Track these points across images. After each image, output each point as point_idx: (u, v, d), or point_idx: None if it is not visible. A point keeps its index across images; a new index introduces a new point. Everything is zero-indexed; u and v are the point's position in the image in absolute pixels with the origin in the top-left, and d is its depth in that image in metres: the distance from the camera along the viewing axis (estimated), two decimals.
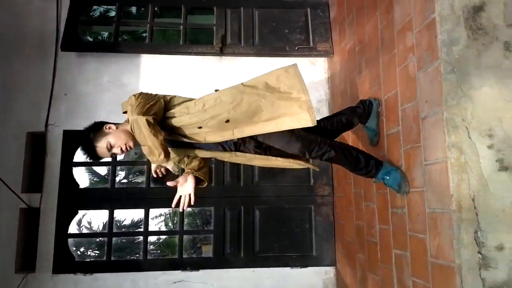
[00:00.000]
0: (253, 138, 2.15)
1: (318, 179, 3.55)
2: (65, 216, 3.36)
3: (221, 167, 3.51)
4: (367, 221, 2.69)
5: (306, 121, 2.03)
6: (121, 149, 2.06)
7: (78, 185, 3.54)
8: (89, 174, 13.31)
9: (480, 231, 1.67)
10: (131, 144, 2.09)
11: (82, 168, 13.35)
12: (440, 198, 1.78)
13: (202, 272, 3.33)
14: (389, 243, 2.33)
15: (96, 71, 3.57)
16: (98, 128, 2.10)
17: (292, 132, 2.10)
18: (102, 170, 13.84)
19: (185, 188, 2.11)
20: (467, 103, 1.76)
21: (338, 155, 2.16)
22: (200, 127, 2.06)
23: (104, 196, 3.60)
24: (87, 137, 2.08)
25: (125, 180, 11.44)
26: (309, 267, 3.39)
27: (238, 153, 2.17)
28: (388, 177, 2.16)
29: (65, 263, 3.29)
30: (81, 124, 3.37)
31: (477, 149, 1.72)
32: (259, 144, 2.18)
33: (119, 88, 3.54)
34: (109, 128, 2.09)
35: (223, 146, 2.18)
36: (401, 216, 2.17)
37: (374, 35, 2.58)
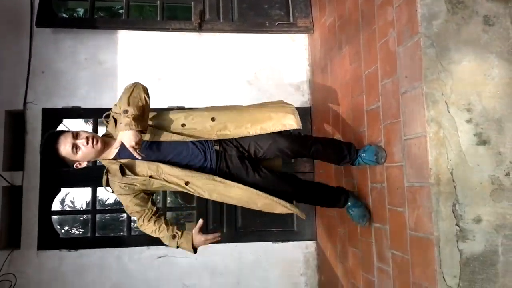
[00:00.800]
0: (236, 145, 2.12)
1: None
2: (48, 194, 3.33)
3: None
4: None
5: (291, 123, 2.10)
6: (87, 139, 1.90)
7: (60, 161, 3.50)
8: None
9: (458, 204, 1.71)
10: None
11: None
12: (419, 172, 1.81)
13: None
14: None
15: (73, 48, 3.48)
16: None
17: (279, 133, 2.15)
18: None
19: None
20: (447, 77, 1.77)
21: (324, 147, 2.28)
22: (183, 125, 2.04)
23: (86, 174, 3.56)
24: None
25: None
26: (290, 242, 3.45)
27: (216, 177, 2.02)
28: (364, 154, 2.25)
29: (50, 239, 3.28)
30: (59, 102, 3.39)
31: (456, 123, 1.73)
32: (242, 154, 2.13)
33: (96, 65, 3.47)
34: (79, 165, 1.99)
35: (204, 152, 2.06)
36: (381, 190, 2.20)
37: (355, 10, 2.55)
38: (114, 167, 1.99)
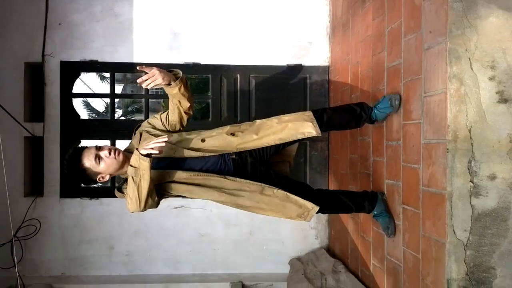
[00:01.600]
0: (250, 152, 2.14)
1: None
2: (68, 145, 3.42)
3: None
4: (361, 154, 2.76)
5: (310, 131, 2.10)
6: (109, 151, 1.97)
7: (79, 116, 3.58)
8: (87, 111, 13.44)
9: (474, 161, 1.73)
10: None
11: (81, 104, 13.48)
12: (437, 129, 1.82)
13: (201, 199, 3.47)
14: (382, 174, 2.41)
15: (88, 0, 3.45)
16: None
17: None
18: (100, 107, 13.83)
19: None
20: (472, 33, 1.73)
21: (335, 112, 2.29)
22: (203, 140, 2.08)
23: (104, 126, 3.65)
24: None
25: (122, 118, 11.57)
26: None
27: (228, 177, 2.03)
28: (379, 105, 2.26)
29: (71, 188, 3.42)
30: (76, 55, 3.41)
31: (478, 80, 1.72)
32: (255, 159, 2.14)
33: (112, 18, 3.46)
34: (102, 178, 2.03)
35: (220, 161, 2.07)
36: (396, 148, 2.23)
37: None
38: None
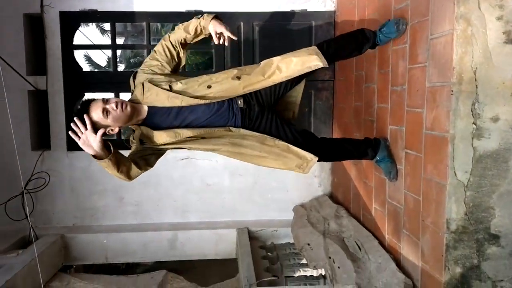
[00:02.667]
0: (257, 99, 2.14)
1: None
2: (72, 98, 3.44)
3: None
4: (366, 101, 2.75)
5: (316, 63, 2.07)
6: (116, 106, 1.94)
7: (82, 68, 3.56)
8: (89, 65, 13.31)
9: (478, 103, 1.73)
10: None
11: (83, 59, 13.32)
12: (442, 72, 1.81)
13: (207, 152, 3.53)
14: (386, 120, 2.43)
15: None
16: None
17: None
18: (101, 61, 13.68)
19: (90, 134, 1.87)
20: None
21: (336, 40, 2.35)
22: (209, 86, 2.07)
23: (108, 79, 3.64)
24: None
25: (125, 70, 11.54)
26: None
27: (231, 128, 2.07)
28: (384, 28, 2.25)
29: None
30: (75, 4, 3.33)
31: (486, 20, 1.69)
32: (263, 108, 2.15)
33: None
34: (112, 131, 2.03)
35: (228, 112, 2.08)
36: (401, 93, 2.22)
37: None
38: (137, 132, 2.09)
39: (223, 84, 2.09)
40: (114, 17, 3.40)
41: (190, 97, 2.05)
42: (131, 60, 12.70)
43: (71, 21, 3.38)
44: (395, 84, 2.30)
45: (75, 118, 1.87)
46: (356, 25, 2.92)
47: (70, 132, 1.88)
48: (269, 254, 3.21)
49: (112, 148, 1.93)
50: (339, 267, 2.37)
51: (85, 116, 1.87)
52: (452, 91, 1.73)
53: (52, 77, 3.40)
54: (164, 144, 2.07)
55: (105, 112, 1.94)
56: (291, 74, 2.10)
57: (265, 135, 2.11)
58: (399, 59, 2.24)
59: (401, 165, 2.23)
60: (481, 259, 1.81)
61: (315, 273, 2.89)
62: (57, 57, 3.39)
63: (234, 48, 3.46)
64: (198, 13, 3.36)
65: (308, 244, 2.74)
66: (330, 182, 3.62)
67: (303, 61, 2.09)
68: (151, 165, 2.12)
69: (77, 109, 2.01)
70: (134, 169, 2.05)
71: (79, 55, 12.91)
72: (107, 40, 13.71)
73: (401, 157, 2.23)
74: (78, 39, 3.52)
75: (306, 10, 3.44)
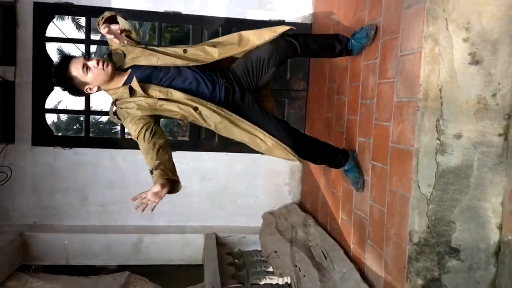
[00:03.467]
0: (239, 84, 2.21)
1: (294, 73, 3.57)
2: (41, 90, 3.34)
3: None
4: (337, 113, 2.81)
5: (285, 28, 2.17)
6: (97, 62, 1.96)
7: (52, 61, 3.46)
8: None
9: (442, 120, 1.80)
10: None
11: (55, 53, 12.98)
12: (409, 88, 1.87)
13: (178, 153, 3.48)
14: (354, 132, 2.48)
15: None
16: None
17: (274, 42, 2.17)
18: (74, 51, 13.38)
19: (156, 194, 1.86)
20: None
21: (312, 38, 2.42)
22: (185, 51, 2.12)
23: None
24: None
25: None
26: None
27: (224, 109, 2.10)
28: (357, 34, 2.32)
29: (44, 136, 3.37)
30: None
31: (453, 41, 1.76)
32: (243, 93, 2.22)
33: None
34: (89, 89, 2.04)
35: (212, 84, 2.12)
36: (370, 106, 2.28)
37: None
38: (121, 90, 2.04)
39: (199, 50, 2.13)
40: (90, 11, 3.34)
41: (168, 55, 2.08)
42: (105, 57, 12.49)
43: (45, 12, 3.29)
44: (365, 97, 2.35)
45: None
46: None
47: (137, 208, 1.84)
48: (236, 261, 3.19)
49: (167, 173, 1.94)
50: (304, 276, 2.38)
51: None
52: (418, 106, 1.79)
53: (21, 68, 3.30)
54: (160, 99, 2.04)
55: (85, 68, 1.94)
56: (262, 40, 2.15)
57: (255, 127, 2.13)
58: (369, 74, 2.29)
59: (368, 176, 2.28)
60: (442, 272, 1.86)
61: (281, 281, 2.89)
62: (28, 48, 3.29)
63: None
64: (176, 15, 3.39)
65: (275, 252, 2.75)
66: (300, 191, 3.65)
67: (274, 29, 2.17)
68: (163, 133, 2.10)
69: (57, 62, 2.01)
70: (165, 149, 2.03)
71: (51, 48, 12.60)
72: (82, 36, 13.43)
73: (368, 168, 2.27)
74: (51, 31, 3.44)
75: (284, 20, 3.49)
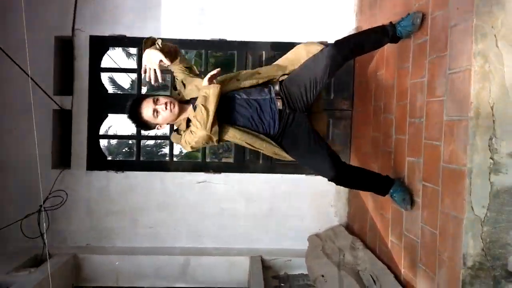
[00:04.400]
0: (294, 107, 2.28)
1: (338, 93, 3.58)
2: (96, 118, 3.55)
3: None
4: (384, 132, 2.77)
5: (317, 48, 2.26)
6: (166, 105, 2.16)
7: (107, 90, 3.69)
8: (112, 87, 13.72)
9: (495, 138, 1.73)
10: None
11: (107, 81, 13.76)
12: (459, 106, 1.83)
13: (223, 175, 3.57)
14: (403, 152, 2.43)
15: None
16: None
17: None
18: (125, 84, 14.09)
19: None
20: (499, 10, 1.72)
21: (357, 37, 2.42)
22: (238, 79, 2.30)
23: None
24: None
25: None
26: None
27: (274, 143, 2.27)
28: (402, 21, 2.33)
29: (98, 161, 3.56)
30: (105, 30, 3.49)
31: (503, 57, 1.71)
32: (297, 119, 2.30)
33: None
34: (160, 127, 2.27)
35: (271, 107, 2.23)
36: (419, 125, 2.23)
37: None
38: (184, 122, 2.27)
39: (248, 79, 2.29)
40: (141, 42, 3.53)
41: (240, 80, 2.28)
42: (154, 84, 13.08)
43: (100, 45, 3.53)
44: (413, 116, 2.31)
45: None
46: (375, 59, 2.97)
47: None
48: (282, 284, 3.16)
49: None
50: None
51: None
52: (469, 125, 1.74)
53: (78, 97, 3.53)
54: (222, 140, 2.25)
55: (155, 112, 2.15)
56: (312, 51, 2.25)
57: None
58: (417, 92, 2.26)
59: (419, 197, 2.21)
60: None
61: None
62: (84, 79, 3.52)
63: None
64: (221, 42, 3.52)
65: (322, 276, 2.70)
66: (346, 212, 3.59)
67: (303, 48, 2.32)
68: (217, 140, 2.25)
69: (129, 107, 2.20)
70: None
71: (104, 77, 13.38)
72: (131, 63, 14.14)
73: (419, 189, 2.21)
74: (104, 61, 3.66)
75: (327, 42, 3.51)
